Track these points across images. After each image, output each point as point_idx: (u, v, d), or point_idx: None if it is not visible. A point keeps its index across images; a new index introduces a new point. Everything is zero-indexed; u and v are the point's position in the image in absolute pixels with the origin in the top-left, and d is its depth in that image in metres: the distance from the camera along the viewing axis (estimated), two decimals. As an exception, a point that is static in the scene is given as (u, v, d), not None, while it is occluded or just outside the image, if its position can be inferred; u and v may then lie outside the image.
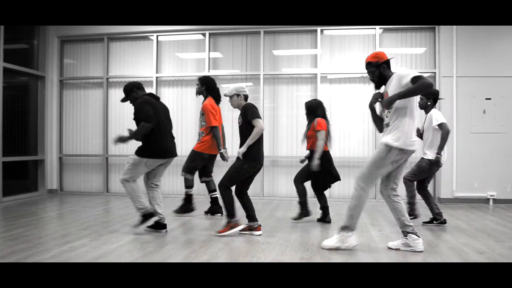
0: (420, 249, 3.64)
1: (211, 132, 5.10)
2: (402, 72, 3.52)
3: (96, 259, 3.39)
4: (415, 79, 3.33)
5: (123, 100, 4.41)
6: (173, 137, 4.52)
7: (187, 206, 5.40)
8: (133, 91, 4.35)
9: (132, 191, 4.25)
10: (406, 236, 3.67)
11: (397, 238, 3.88)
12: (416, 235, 3.66)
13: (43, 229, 4.61)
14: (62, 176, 7.94)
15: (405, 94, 3.37)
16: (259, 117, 4.22)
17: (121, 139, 4.18)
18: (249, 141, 4.17)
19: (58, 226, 4.79)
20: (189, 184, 5.33)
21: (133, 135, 4.16)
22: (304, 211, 5.05)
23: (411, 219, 4.69)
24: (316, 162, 4.80)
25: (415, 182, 4.83)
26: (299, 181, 5.06)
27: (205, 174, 5.45)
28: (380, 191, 3.83)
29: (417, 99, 3.64)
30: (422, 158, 4.79)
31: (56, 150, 7.83)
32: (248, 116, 4.19)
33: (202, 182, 5.51)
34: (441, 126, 4.65)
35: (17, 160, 7.15)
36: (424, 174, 4.82)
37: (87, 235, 4.29)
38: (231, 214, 4.26)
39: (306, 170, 5.05)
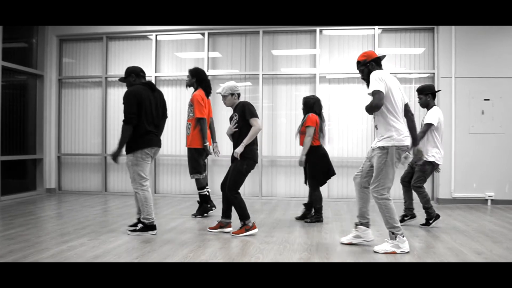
0: (371, 239, 3.90)
1: (198, 124, 5.05)
2: (371, 76, 3.59)
3: (94, 258, 3.40)
4: (372, 94, 3.54)
5: (121, 80, 4.40)
6: (157, 130, 4.41)
7: (203, 207, 5.35)
8: (130, 76, 4.34)
9: (144, 199, 4.25)
10: (356, 228, 3.90)
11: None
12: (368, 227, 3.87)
13: (42, 228, 4.61)
14: (61, 175, 7.93)
15: (367, 108, 3.63)
16: (257, 116, 4.26)
17: (115, 155, 4.16)
18: (246, 141, 4.18)
19: (57, 225, 4.78)
20: (201, 186, 5.28)
21: (121, 143, 4.13)
22: (318, 216, 5.08)
23: (432, 220, 4.77)
24: (302, 158, 4.90)
25: (424, 187, 4.84)
26: (314, 188, 5.07)
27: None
28: (353, 178, 3.95)
29: (397, 96, 3.66)
30: (424, 161, 4.72)
31: (55, 149, 7.82)
32: (247, 115, 4.20)
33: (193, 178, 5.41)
34: (427, 125, 4.66)
35: (15, 159, 7.14)
36: (428, 176, 4.83)
37: (85, 234, 4.29)
38: (245, 217, 4.28)
39: (309, 172, 5.07)
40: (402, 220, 4.83)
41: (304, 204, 5.22)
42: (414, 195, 4.90)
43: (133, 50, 7.68)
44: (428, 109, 4.82)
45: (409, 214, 4.92)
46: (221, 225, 4.46)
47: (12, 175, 7.12)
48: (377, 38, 6.94)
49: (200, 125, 5.04)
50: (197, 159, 5.16)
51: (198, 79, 5.24)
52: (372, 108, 3.56)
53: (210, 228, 4.50)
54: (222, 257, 3.50)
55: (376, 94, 3.49)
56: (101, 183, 7.71)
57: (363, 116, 7.03)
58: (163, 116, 4.53)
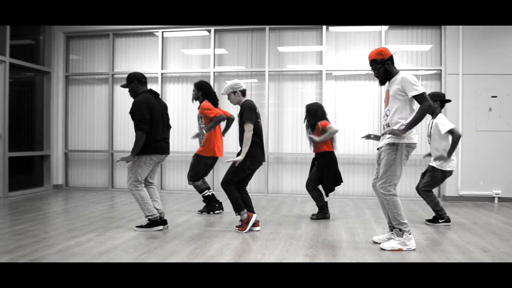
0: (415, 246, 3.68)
1: (215, 121, 5.02)
2: (407, 77, 3.52)
3: (101, 254, 3.42)
4: (418, 98, 3.46)
5: (124, 86, 4.40)
6: (167, 137, 4.48)
7: (211, 205, 5.35)
8: (133, 82, 4.33)
9: (140, 198, 4.28)
10: (392, 230, 3.75)
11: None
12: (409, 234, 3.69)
13: (49, 224, 4.65)
14: (68, 172, 7.99)
15: (412, 125, 3.50)
16: (251, 121, 4.16)
17: (125, 159, 4.19)
18: (244, 149, 4.15)
19: (64, 221, 4.82)
20: (200, 189, 5.29)
21: (134, 151, 4.15)
22: (323, 213, 5.07)
23: (443, 221, 4.74)
24: (319, 139, 4.89)
25: (433, 191, 4.82)
26: (311, 188, 5.07)
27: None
28: (372, 185, 3.85)
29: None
30: (434, 167, 4.73)
31: (62, 146, 7.88)
32: (243, 117, 4.17)
33: (190, 184, 5.36)
34: (451, 132, 4.59)
35: (23, 156, 7.20)
36: (438, 183, 4.80)
37: (92, 230, 4.32)
38: (239, 207, 4.26)
39: (314, 176, 5.07)
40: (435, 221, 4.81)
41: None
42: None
43: (140, 47, 7.70)
44: (433, 117, 4.76)
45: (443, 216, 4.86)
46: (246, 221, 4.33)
47: (20, 171, 7.19)
48: (384, 35, 6.90)
49: (215, 120, 5.00)
50: (198, 169, 5.18)
51: (204, 92, 5.20)
52: (430, 108, 3.52)
53: (240, 230, 4.35)
54: (229, 253, 3.52)
55: (425, 94, 3.48)
56: (107, 180, 7.76)
57: (369, 113, 7.01)
58: (167, 127, 4.56)
